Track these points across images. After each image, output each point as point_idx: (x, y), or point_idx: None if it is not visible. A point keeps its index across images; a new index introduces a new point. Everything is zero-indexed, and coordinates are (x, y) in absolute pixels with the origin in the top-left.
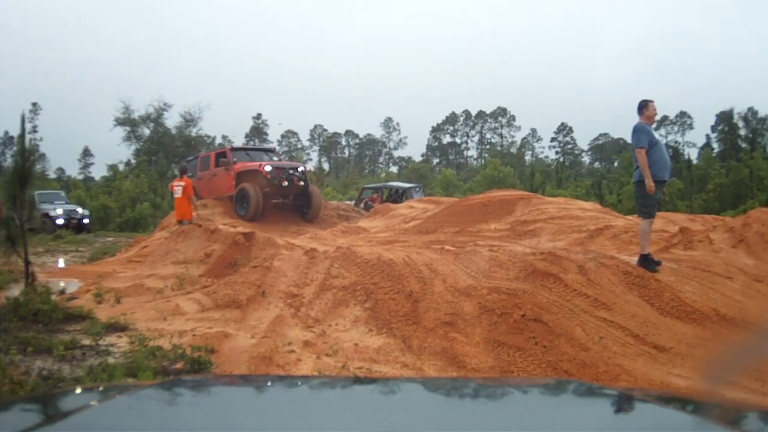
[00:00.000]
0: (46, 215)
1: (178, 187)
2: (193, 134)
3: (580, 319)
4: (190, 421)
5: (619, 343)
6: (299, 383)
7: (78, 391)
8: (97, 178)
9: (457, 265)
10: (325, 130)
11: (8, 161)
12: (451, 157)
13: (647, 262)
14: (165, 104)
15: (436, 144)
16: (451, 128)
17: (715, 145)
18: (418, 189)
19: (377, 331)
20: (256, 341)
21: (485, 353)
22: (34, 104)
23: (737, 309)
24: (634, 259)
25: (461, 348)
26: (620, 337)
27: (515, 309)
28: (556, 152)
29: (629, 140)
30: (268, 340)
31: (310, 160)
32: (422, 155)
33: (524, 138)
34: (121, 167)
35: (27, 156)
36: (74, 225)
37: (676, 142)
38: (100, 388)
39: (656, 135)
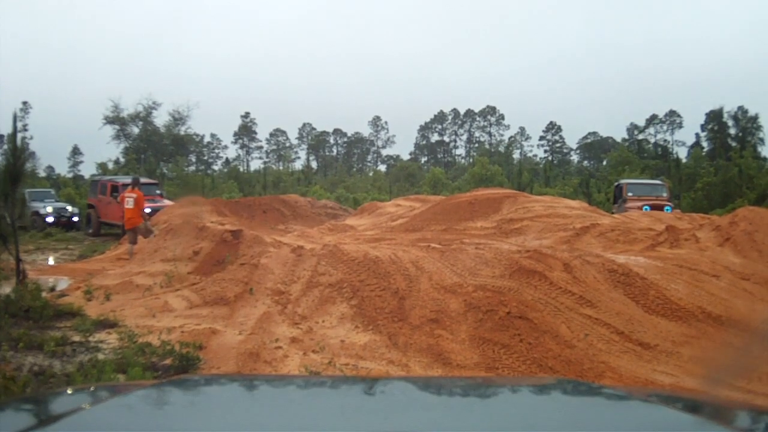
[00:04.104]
0: (37, 213)
1: (129, 198)
2: (182, 132)
3: (565, 317)
4: (190, 422)
5: (604, 341)
6: (297, 383)
7: (72, 391)
8: (87, 176)
9: (443, 262)
10: (314, 128)
11: None
12: (439, 156)
13: None
14: (154, 103)
15: (425, 142)
16: (440, 127)
17: (704, 144)
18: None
19: (363, 328)
20: (243, 338)
21: (471, 350)
22: (24, 103)
23: (723, 307)
24: (621, 257)
25: (447, 345)
26: (605, 334)
27: (501, 306)
28: (545, 151)
29: (617, 139)
30: (256, 336)
31: (299, 158)
32: (410, 154)
33: (512, 137)
34: (110, 165)
35: (18, 154)
36: (64, 223)
37: (665, 140)
38: (98, 389)
39: None
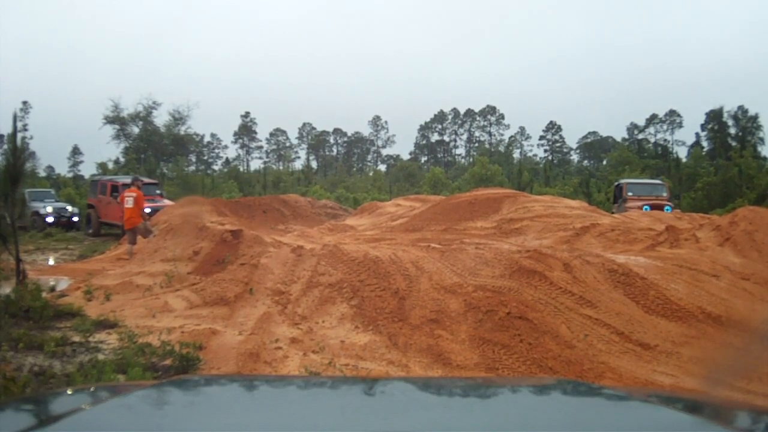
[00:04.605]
0: (37, 213)
1: (129, 198)
2: (182, 132)
3: (565, 317)
4: (190, 422)
5: (604, 341)
6: (297, 384)
7: (72, 392)
8: (87, 176)
9: (443, 262)
10: (314, 128)
11: None
12: (439, 155)
13: None
14: (154, 102)
15: (425, 142)
16: (440, 126)
17: (704, 144)
18: None
19: (363, 328)
20: (243, 338)
21: (471, 350)
22: (24, 103)
23: (723, 307)
24: (621, 257)
25: (447, 345)
26: (605, 334)
27: (501, 306)
28: (545, 150)
29: (618, 139)
30: (256, 337)
31: (299, 158)
32: (410, 153)
33: (512, 137)
34: (110, 165)
35: (18, 154)
36: (64, 223)
37: (665, 140)
38: (98, 389)
39: None
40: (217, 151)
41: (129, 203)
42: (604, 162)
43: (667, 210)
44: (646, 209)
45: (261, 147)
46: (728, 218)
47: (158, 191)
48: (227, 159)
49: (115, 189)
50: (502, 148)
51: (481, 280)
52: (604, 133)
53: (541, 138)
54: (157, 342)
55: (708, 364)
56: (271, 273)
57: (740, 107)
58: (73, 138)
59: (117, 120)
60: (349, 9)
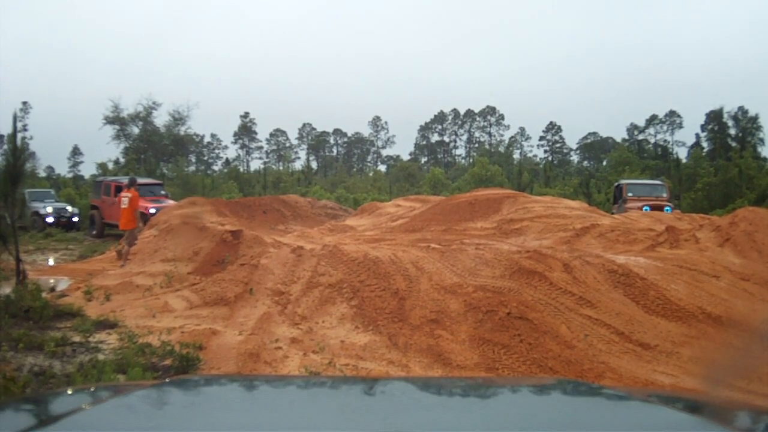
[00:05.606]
0: (37, 213)
1: (125, 198)
2: (182, 133)
3: (565, 317)
4: (189, 422)
5: (604, 341)
6: (297, 384)
7: (72, 392)
8: (87, 176)
9: (443, 263)
10: (314, 128)
11: None
12: (439, 156)
13: None
14: (154, 103)
15: (425, 143)
16: (440, 127)
17: (704, 144)
18: None
19: (363, 329)
20: (243, 338)
21: (471, 350)
22: (24, 103)
23: (723, 307)
24: (621, 258)
25: (447, 345)
26: (605, 334)
27: (501, 307)
28: (545, 151)
29: (617, 139)
30: (256, 337)
31: (299, 158)
32: (410, 154)
33: (512, 137)
34: (110, 165)
35: (18, 154)
36: (64, 223)
37: (665, 141)
38: (98, 389)
39: None
40: (217, 151)
41: (124, 204)
42: (604, 162)
43: (667, 210)
44: (646, 210)
45: (261, 147)
46: (728, 219)
47: (163, 191)
48: (227, 159)
49: (119, 190)
50: (502, 149)
51: (481, 281)
52: (604, 134)
53: (541, 138)
54: (157, 342)
55: (708, 364)
56: (271, 273)
57: (740, 108)
58: (73, 138)
59: (117, 120)
60: (348, 9)
